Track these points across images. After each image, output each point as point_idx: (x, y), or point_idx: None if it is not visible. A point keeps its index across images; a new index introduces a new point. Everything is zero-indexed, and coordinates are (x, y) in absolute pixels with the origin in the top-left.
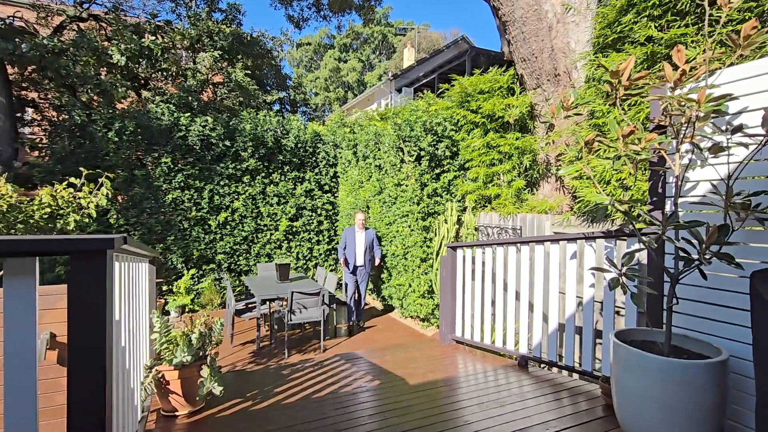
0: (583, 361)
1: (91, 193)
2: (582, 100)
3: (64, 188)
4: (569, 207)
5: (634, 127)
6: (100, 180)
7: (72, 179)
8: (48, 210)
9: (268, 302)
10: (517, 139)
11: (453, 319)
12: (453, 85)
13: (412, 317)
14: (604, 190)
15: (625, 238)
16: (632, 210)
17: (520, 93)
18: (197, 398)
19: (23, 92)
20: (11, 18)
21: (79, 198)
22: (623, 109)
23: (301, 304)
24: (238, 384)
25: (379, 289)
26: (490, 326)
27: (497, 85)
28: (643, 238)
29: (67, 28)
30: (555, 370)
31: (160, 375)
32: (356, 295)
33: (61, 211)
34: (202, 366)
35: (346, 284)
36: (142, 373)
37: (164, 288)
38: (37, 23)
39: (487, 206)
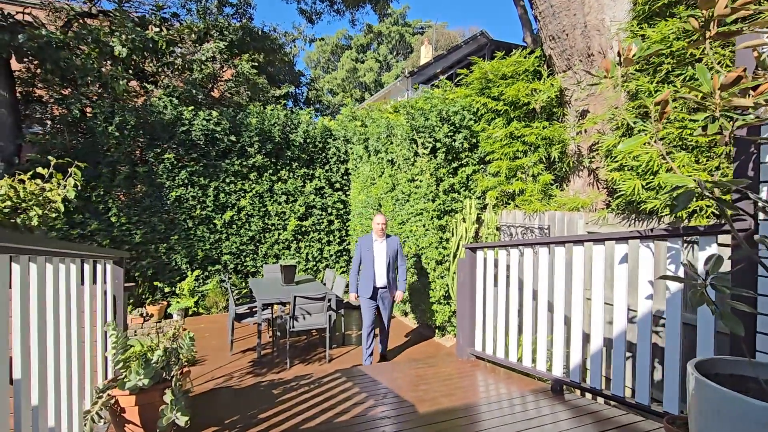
0: (637, 391)
1: (59, 185)
2: (645, 51)
3: (29, 179)
4: (605, 204)
5: (742, 71)
6: (69, 170)
7: (39, 170)
8: (9, 203)
9: (271, 307)
10: (544, 128)
11: (472, 331)
12: (472, 71)
13: (427, 324)
14: (649, 183)
15: (696, 237)
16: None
17: (548, 76)
18: (158, 430)
19: (31, 89)
20: (20, 13)
21: (47, 191)
22: (675, 86)
23: (304, 310)
24: (218, 406)
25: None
26: (516, 341)
27: (521, 69)
28: (746, 236)
29: (74, 24)
30: (592, 396)
31: (113, 400)
32: (376, 325)
33: (24, 205)
34: (165, 390)
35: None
36: (88, 400)
37: (166, 290)
38: (46, 21)
39: (510, 203)
